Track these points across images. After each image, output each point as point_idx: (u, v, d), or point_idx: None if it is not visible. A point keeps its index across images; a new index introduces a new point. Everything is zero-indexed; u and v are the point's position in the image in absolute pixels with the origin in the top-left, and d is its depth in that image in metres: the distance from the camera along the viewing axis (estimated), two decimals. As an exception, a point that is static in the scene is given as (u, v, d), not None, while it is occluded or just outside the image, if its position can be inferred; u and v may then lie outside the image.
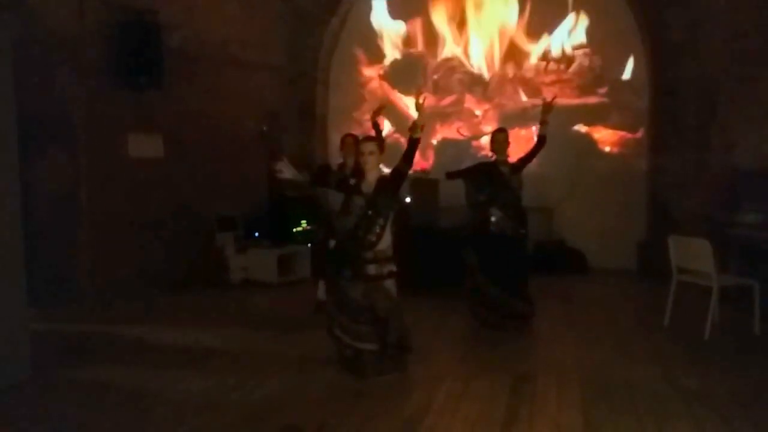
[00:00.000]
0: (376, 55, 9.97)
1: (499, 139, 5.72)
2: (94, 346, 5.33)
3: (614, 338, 5.43)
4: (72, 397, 4.11)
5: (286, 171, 4.39)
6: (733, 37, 7.22)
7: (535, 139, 5.90)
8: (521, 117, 9.14)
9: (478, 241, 5.70)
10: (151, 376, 4.51)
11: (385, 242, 4.31)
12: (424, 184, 8.41)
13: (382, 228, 4.27)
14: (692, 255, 5.42)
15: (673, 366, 4.63)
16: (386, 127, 9.92)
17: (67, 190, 6.86)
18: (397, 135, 10.03)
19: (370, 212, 4.23)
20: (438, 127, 9.70)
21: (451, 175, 5.92)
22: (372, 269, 4.26)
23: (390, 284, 4.32)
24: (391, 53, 9.91)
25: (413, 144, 4.51)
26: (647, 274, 7.97)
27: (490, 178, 5.63)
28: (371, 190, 4.30)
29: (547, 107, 5.80)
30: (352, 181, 4.45)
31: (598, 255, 8.69)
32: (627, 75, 8.84)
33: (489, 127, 5.54)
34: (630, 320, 6.19)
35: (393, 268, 4.35)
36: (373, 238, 4.24)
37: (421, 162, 9.66)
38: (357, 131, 10.03)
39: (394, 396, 4.07)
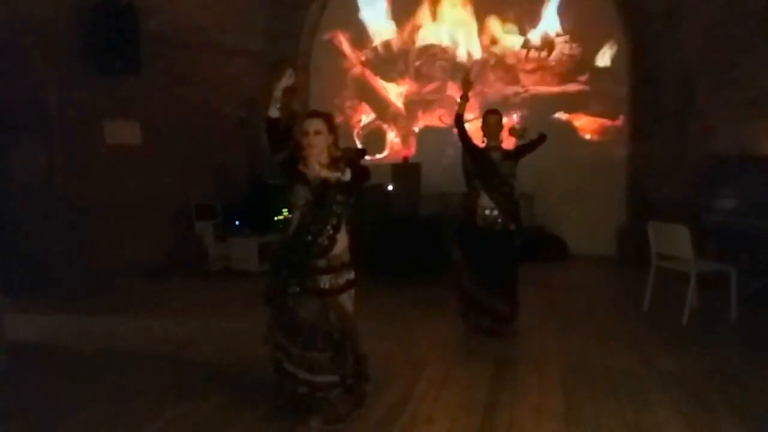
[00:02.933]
0: (358, 41, 9.88)
1: (491, 121, 5.06)
2: (69, 338, 5.24)
3: (594, 324, 5.47)
4: (46, 389, 4.04)
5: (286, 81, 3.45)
6: (712, 24, 7.26)
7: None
8: (502, 104, 9.12)
9: (464, 236, 5.20)
10: (128, 366, 4.45)
11: (341, 245, 3.39)
12: (406, 171, 8.40)
13: (335, 229, 3.34)
14: (671, 241, 5.48)
15: (652, 350, 4.68)
16: (369, 114, 9.90)
17: (42, 178, 6.72)
18: (379, 122, 9.99)
19: (318, 210, 3.31)
20: (420, 114, 9.67)
21: (460, 125, 5.03)
22: (326, 281, 3.33)
23: (346, 298, 3.42)
24: (374, 39, 9.83)
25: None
26: (627, 260, 8.05)
27: (478, 164, 5.04)
28: (318, 179, 3.33)
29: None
30: (301, 164, 3.41)
31: (579, 242, 8.76)
32: (606, 62, 8.87)
33: (471, 115, 5.17)
34: (610, 306, 6.24)
35: (350, 276, 3.45)
36: (325, 242, 3.32)
37: (402, 149, 9.64)
38: (339, 119, 9.99)
39: (375, 383, 4.06)
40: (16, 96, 6.47)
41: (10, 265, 6.24)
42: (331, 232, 3.32)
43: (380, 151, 9.87)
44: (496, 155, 5.01)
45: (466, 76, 5.22)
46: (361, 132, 10.00)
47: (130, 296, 6.68)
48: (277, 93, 3.43)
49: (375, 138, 9.87)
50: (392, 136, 9.89)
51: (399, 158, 9.25)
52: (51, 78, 6.66)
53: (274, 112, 3.40)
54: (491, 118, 5.07)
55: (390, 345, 4.83)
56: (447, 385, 4.01)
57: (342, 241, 3.39)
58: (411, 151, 9.59)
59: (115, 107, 7.22)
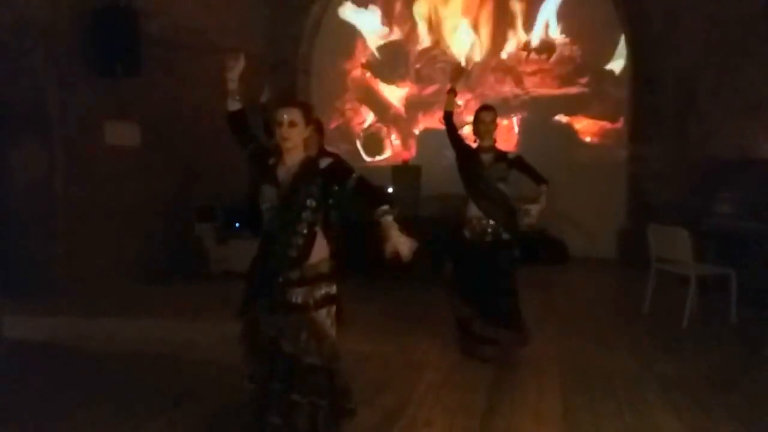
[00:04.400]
0: (359, 44, 9.89)
1: (485, 119, 4.50)
2: (68, 339, 5.23)
3: (594, 327, 5.46)
4: (45, 390, 4.03)
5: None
6: (713, 27, 7.27)
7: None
8: (503, 107, 9.13)
9: (454, 249, 4.61)
10: (128, 368, 4.44)
11: (317, 254, 2.84)
12: (407, 173, 8.40)
13: (307, 237, 2.80)
14: (671, 244, 5.47)
15: (652, 354, 4.67)
16: (369, 116, 9.90)
17: (42, 179, 6.72)
18: (379, 125, 10.00)
19: (285, 214, 2.80)
20: (420, 116, 9.67)
21: (448, 122, 4.60)
22: (298, 295, 2.80)
23: (323, 315, 2.84)
24: (373, 42, 9.84)
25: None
26: (627, 263, 8.05)
27: (464, 167, 4.53)
28: (289, 178, 2.84)
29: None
30: (272, 161, 2.93)
31: (579, 244, 8.76)
32: (612, 66, 8.87)
33: (471, 117, 4.97)
34: (609, 309, 6.24)
35: (330, 289, 2.87)
36: (294, 253, 2.78)
37: (402, 152, 9.64)
38: (339, 121, 10.00)
39: (373, 386, 4.06)
40: (16, 97, 6.48)
41: (10, 265, 6.24)
42: (301, 242, 2.79)
43: (381, 153, 9.87)
44: (486, 157, 4.48)
45: (458, 65, 4.90)
46: (362, 134, 10.00)
47: (129, 298, 6.67)
48: (232, 84, 3.12)
49: (376, 140, 9.88)
50: (392, 138, 9.89)
51: (399, 160, 9.25)
52: (52, 79, 6.66)
53: (233, 105, 3.08)
54: (485, 116, 4.51)
55: (388, 348, 4.83)
56: (446, 389, 4.01)
57: (319, 249, 2.85)
58: (411, 153, 9.59)
59: (115, 109, 7.22)
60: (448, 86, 4.66)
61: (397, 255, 2.66)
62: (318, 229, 2.86)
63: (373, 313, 5.75)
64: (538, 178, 4.57)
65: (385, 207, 2.69)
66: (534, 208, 4.46)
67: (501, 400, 3.80)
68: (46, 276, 6.68)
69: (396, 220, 2.69)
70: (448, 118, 4.58)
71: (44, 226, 6.73)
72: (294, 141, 2.84)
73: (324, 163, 2.85)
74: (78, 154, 6.88)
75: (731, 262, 5.69)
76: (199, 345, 4.98)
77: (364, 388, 3.98)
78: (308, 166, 2.85)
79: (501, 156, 4.52)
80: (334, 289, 2.90)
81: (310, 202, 2.79)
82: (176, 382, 4.13)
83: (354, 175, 2.82)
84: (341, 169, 2.89)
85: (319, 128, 4.53)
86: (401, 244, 2.63)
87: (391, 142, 9.91)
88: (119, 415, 3.63)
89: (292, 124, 2.82)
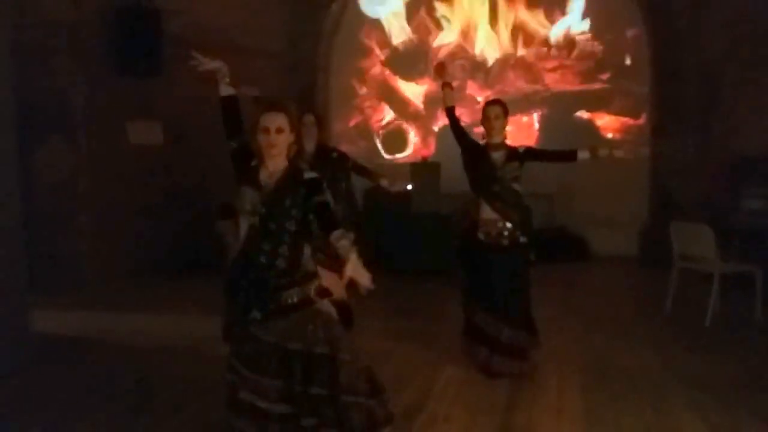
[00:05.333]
0: (378, 41, 9.89)
1: (490, 114, 4.18)
2: (95, 333, 5.33)
3: (615, 325, 5.43)
4: (72, 384, 4.12)
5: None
6: (735, 21, 7.16)
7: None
8: (523, 103, 9.10)
9: (465, 254, 4.33)
10: (151, 362, 4.52)
11: (304, 256, 2.76)
12: (426, 170, 8.40)
13: (294, 246, 2.70)
14: (694, 241, 5.41)
15: (674, 352, 4.63)
16: (389, 114, 9.90)
17: (66, 177, 6.85)
18: (399, 122, 10.00)
19: (269, 223, 2.67)
20: (440, 113, 9.65)
21: (451, 118, 4.41)
22: (293, 295, 2.69)
23: (327, 304, 2.80)
24: (394, 39, 9.83)
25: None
26: (649, 260, 7.95)
27: (474, 166, 4.27)
28: (272, 184, 2.73)
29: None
30: (254, 162, 2.79)
31: (600, 242, 8.68)
32: (633, 61, 8.77)
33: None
34: (631, 307, 6.19)
35: (322, 282, 2.82)
36: (282, 264, 2.67)
37: (422, 149, 9.63)
38: (358, 118, 10.02)
39: (394, 382, 4.07)
40: (41, 97, 6.60)
41: (37, 262, 6.36)
42: (288, 252, 2.67)
43: (402, 150, 9.88)
44: (497, 155, 4.19)
45: (440, 62, 4.72)
46: (381, 132, 10.01)
47: (153, 293, 6.77)
48: (223, 68, 2.99)
49: (396, 138, 9.88)
50: (412, 136, 9.89)
51: (418, 157, 9.24)
52: (76, 79, 6.79)
53: (225, 90, 2.95)
54: (491, 111, 4.20)
55: (409, 344, 4.85)
56: (466, 385, 4.01)
57: (304, 253, 2.76)
58: (430, 150, 9.57)
59: (138, 108, 7.33)
60: (440, 82, 4.46)
61: (352, 284, 2.52)
62: (303, 237, 2.74)
63: (393, 308, 5.77)
64: (563, 155, 4.42)
65: (341, 231, 2.57)
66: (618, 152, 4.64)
67: (521, 396, 3.80)
68: (72, 272, 6.81)
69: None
70: (450, 113, 4.37)
71: (70, 224, 6.86)
72: (280, 148, 2.72)
73: (308, 174, 2.73)
74: (102, 152, 7.00)
75: (756, 260, 5.60)
76: (220, 339, 5.02)
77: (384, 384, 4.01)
78: (293, 174, 2.73)
79: (513, 154, 4.22)
80: (324, 282, 2.82)
81: (295, 212, 2.67)
82: (199, 376, 4.19)
83: (325, 196, 2.71)
84: (320, 185, 2.73)
85: (319, 123, 4.53)
86: (360, 276, 2.45)
87: (410, 139, 9.92)
88: (141, 409, 3.69)
89: (279, 130, 2.70)
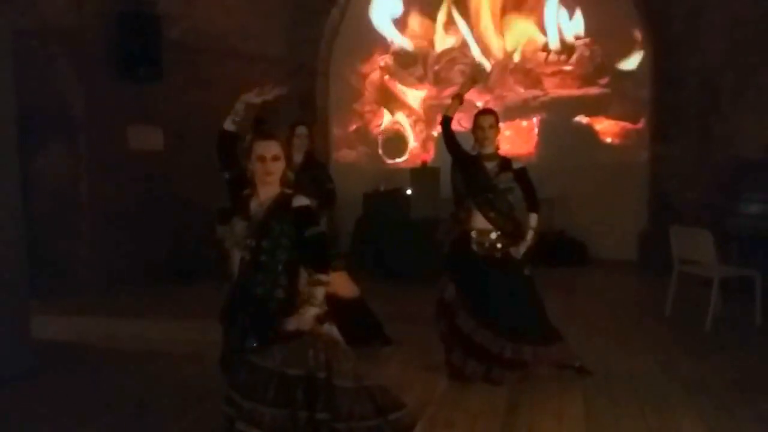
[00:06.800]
0: (378, 47, 9.92)
1: (483, 124, 4.10)
2: (95, 339, 5.33)
3: (615, 329, 5.43)
4: (72, 390, 4.12)
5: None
6: (734, 25, 7.19)
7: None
8: (522, 108, 9.13)
9: (457, 266, 4.17)
10: (151, 367, 4.51)
11: (301, 282, 2.78)
12: (425, 174, 8.42)
13: (290, 275, 2.72)
14: (693, 245, 5.42)
15: (674, 356, 4.64)
16: (387, 119, 9.92)
17: (67, 182, 6.86)
18: (399, 126, 10.02)
19: (259, 256, 2.69)
20: (439, 118, 9.67)
21: (446, 128, 4.33)
22: (291, 322, 2.65)
23: (328, 327, 2.76)
24: (393, 44, 9.86)
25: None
26: (648, 264, 7.96)
27: (469, 175, 4.15)
28: (261, 213, 2.75)
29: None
30: (247, 192, 2.83)
31: (600, 246, 8.69)
32: (632, 66, 8.79)
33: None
34: (631, 311, 6.19)
35: (321, 309, 2.76)
36: (281, 294, 2.69)
37: (421, 154, 9.65)
38: (357, 123, 10.04)
39: (394, 387, 4.06)
40: (42, 102, 6.62)
41: (37, 267, 6.36)
42: (284, 281, 2.70)
43: (402, 155, 9.89)
44: (491, 165, 4.10)
45: (475, 73, 4.70)
46: (381, 136, 10.02)
47: (154, 299, 6.77)
48: (240, 105, 3.10)
49: (396, 142, 9.90)
50: (411, 141, 9.91)
51: (418, 162, 9.26)
52: (77, 84, 6.81)
53: (228, 124, 3.02)
54: (484, 120, 4.12)
55: (409, 349, 4.85)
56: (467, 389, 4.01)
57: (302, 273, 2.76)
58: (430, 155, 9.59)
59: (138, 113, 7.34)
60: (456, 91, 4.36)
61: (298, 334, 2.62)
62: (297, 267, 2.75)
63: (392, 313, 5.76)
64: (532, 203, 4.16)
65: (323, 277, 2.67)
66: (520, 249, 4.07)
67: (522, 401, 3.80)
68: (72, 278, 6.81)
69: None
70: (446, 123, 4.29)
71: (70, 229, 6.87)
72: (276, 176, 2.77)
73: (297, 201, 2.75)
74: (103, 157, 7.01)
75: (755, 264, 5.61)
76: (220, 344, 5.03)
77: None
78: (282, 203, 2.74)
79: (506, 164, 4.13)
80: (324, 307, 2.76)
81: (285, 241, 2.69)
82: (200, 381, 4.19)
83: (317, 228, 2.76)
84: (309, 214, 2.78)
85: (310, 135, 4.69)
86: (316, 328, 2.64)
87: (409, 143, 9.93)
88: (143, 413, 3.69)
89: (275, 158, 2.75)
